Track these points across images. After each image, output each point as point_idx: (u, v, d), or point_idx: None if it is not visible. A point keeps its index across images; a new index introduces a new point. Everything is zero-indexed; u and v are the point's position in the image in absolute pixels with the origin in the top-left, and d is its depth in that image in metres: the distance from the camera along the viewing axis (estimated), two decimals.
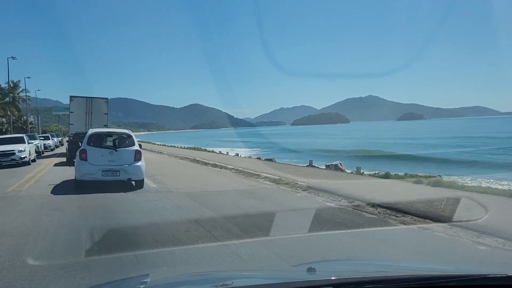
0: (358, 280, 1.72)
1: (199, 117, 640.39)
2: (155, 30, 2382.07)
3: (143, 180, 11.97)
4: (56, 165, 20.88)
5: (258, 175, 14.81)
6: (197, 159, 23.48)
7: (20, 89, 62.08)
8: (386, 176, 14.49)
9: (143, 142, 57.78)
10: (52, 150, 36.24)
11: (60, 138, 50.20)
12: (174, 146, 47.78)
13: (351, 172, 17.09)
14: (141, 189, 11.56)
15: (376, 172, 17.74)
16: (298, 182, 12.26)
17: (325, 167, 19.45)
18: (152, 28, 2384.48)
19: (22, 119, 59.90)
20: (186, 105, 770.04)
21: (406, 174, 16.16)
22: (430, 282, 1.71)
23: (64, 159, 23.03)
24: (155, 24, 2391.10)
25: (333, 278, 1.74)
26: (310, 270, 1.87)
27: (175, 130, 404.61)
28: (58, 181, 13.66)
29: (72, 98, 27.52)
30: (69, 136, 26.98)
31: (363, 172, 16.92)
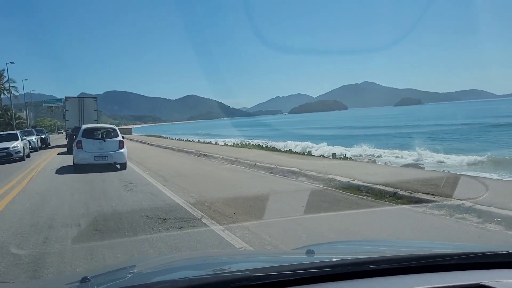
0: (357, 261, 1.73)
1: (195, 108, 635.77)
2: (149, 24, 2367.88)
3: (125, 163, 15.14)
4: None
5: None
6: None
7: (5, 80, 57.18)
8: None
9: (149, 136, 51.05)
10: (20, 158, 21.07)
11: (44, 135, 35.11)
12: (212, 142, 32.91)
13: None
14: None
15: None
16: None
17: None
18: (146, 22, 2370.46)
19: (9, 113, 55.16)
20: (181, 96, 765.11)
21: None
22: (430, 261, 1.70)
23: None
24: (149, 18, 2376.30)
25: (333, 260, 1.77)
26: (309, 252, 1.88)
27: (172, 122, 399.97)
28: None
29: (66, 98, 32.65)
30: (66, 131, 32.42)
31: None
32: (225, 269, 1.72)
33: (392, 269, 1.64)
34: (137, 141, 41.06)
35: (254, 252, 4.32)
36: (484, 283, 1.52)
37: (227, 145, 28.65)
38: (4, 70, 58.41)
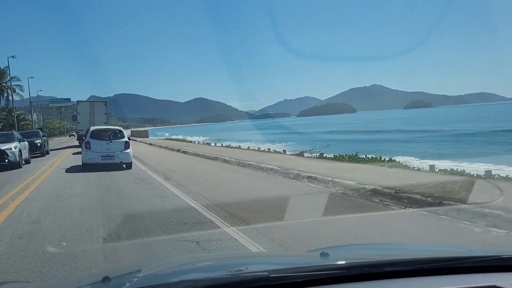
0: (373, 263, 1.75)
1: (204, 111, 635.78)
2: (158, 28, 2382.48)
3: (131, 162, 15.75)
4: None
5: None
6: None
7: (9, 78, 54.27)
8: None
9: (171, 140, 43.11)
10: None
11: (40, 140, 25.76)
12: (263, 149, 24.13)
13: None
14: None
15: None
16: None
17: None
18: (155, 26, 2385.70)
19: (12, 114, 52.48)
20: (190, 99, 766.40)
21: None
22: (445, 264, 1.72)
23: None
24: (158, 23, 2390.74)
25: (350, 261, 1.78)
26: (324, 255, 1.90)
27: (181, 124, 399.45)
28: None
29: (78, 102, 35.98)
30: (78, 133, 33.88)
31: None
32: (242, 270, 1.72)
33: (407, 271, 1.66)
34: (160, 146, 32.40)
35: (269, 254, 4.35)
36: (498, 285, 1.55)
37: (301, 155, 18.25)
38: (7, 67, 55.09)
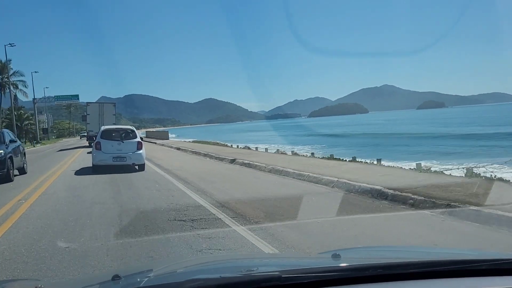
0: (386, 265, 1.72)
1: (214, 111, 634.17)
2: (170, 28, 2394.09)
3: (144, 164, 15.02)
4: None
5: None
6: None
7: (10, 72, 50.18)
8: None
9: (200, 143, 36.09)
10: None
11: (1, 151, 12.73)
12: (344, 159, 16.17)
13: None
14: None
15: None
16: None
17: None
18: (167, 26, 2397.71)
19: (17, 113, 49.12)
20: (200, 99, 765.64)
21: None
22: (460, 266, 1.69)
23: None
24: (169, 23, 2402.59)
25: (362, 263, 1.78)
26: (335, 256, 1.88)
27: (191, 125, 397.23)
28: None
29: (88, 104, 36.60)
30: (88, 133, 34.86)
31: None
32: (253, 270, 1.72)
33: (421, 273, 1.65)
34: (196, 153, 23.26)
35: (281, 255, 4.34)
36: None
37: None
38: (10, 60, 52.24)
